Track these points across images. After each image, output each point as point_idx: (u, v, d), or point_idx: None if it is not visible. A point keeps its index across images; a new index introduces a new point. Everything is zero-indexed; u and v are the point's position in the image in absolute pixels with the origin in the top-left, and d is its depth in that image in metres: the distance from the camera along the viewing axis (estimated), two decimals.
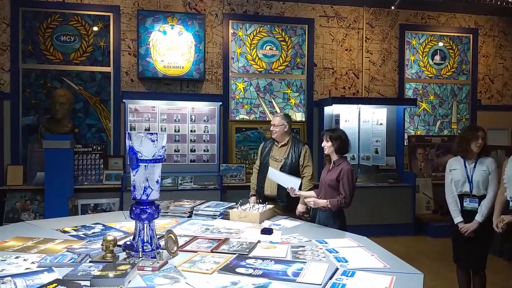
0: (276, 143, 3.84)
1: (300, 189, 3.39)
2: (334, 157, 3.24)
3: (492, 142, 6.52)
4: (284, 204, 3.58)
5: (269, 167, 3.55)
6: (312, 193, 3.40)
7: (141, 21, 5.82)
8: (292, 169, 3.64)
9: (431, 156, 6.85)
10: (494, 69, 7.21)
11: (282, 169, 3.62)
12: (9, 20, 5.62)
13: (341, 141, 3.19)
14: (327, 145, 3.23)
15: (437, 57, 7.07)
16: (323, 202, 3.11)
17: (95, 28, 5.90)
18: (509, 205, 3.02)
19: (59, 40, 5.81)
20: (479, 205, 3.19)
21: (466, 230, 3.21)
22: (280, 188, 3.59)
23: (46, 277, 1.75)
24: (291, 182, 3.31)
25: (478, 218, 3.16)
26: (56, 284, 1.63)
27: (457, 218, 3.28)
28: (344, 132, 3.30)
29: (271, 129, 3.82)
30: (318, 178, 3.70)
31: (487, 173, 3.19)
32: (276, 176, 3.46)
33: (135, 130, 5.70)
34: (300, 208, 3.60)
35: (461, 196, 3.30)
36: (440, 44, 7.07)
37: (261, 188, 3.79)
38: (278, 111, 6.45)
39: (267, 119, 6.21)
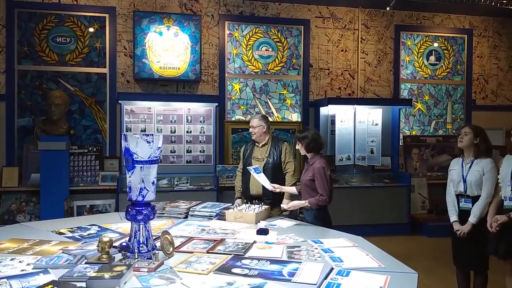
0: (256, 144, 3.95)
1: (284, 184, 3.65)
2: (308, 156, 3.35)
3: None
4: (270, 201, 3.64)
5: (248, 168, 3.60)
6: (293, 189, 3.52)
7: (137, 22, 5.82)
8: (275, 167, 3.78)
9: (426, 156, 6.88)
10: (488, 70, 7.26)
11: (265, 168, 3.73)
12: (4, 21, 5.61)
13: (308, 140, 3.28)
14: (298, 147, 3.35)
15: (432, 58, 7.11)
16: (301, 202, 3.21)
17: (91, 29, 5.89)
18: (503, 205, 3.04)
19: (54, 41, 5.80)
20: (473, 205, 3.19)
21: (461, 232, 3.22)
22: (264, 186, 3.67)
23: (41, 279, 1.75)
24: (265, 182, 3.45)
25: (472, 220, 3.16)
26: (51, 286, 1.63)
27: (452, 217, 3.31)
28: (313, 131, 3.39)
29: (250, 130, 3.94)
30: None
31: (480, 173, 3.17)
32: (254, 174, 3.52)
33: (131, 131, 5.69)
34: (285, 204, 3.66)
35: (458, 196, 3.32)
36: (435, 44, 7.11)
37: (247, 189, 3.89)
38: (274, 111, 6.47)
39: None
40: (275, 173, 3.71)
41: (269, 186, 3.45)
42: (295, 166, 3.90)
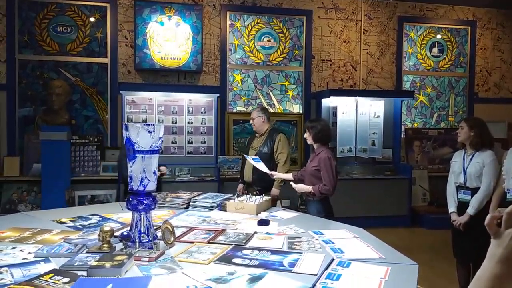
0: (256, 134, 4.29)
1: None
2: (315, 146, 3.44)
3: None
4: (260, 188, 3.78)
5: (244, 156, 4.01)
6: (289, 175, 3.67)
7: (138, 11, 5.78)
8: (266, 156, 4.00)
9: (427, 148, 6.87)
10: (491, 62, 7.21)
11: (256, 156, 3.94)
12: (5, 10, 5.58)
13: (316, 130, 3.37)
14: (306, 136, 3.46)
15: (435, 50, 7.07)
16: (306, 187, 3.34)
17: (92, 19, 5.86)
18: (506, 197, 3.04)
19: (55, 31, 5.77)
20: (472, 197, 3.21)
21: (458, 223, 3.24)
22: (254, 174, 3.99)
23: (42, 267, 1.75)
24: (262, 167, 3.64)
25: (470, 211, 3.19)
26: (52, 274, 1.63)
27: (451, 208, 3.37)
28: (323, 122, 3.50)
29: (250, 122, 4.27)
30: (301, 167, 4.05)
31: (480, 165, 3.20)
32: (252, 162, 3.76)
33: (132, 121, 5.68)
34: (274, 191, 3.99)
35: (458, 188, 3.35)
36: (438, 36, 7.06)
37: (242, 175, 4.24)
38: (276, 103, 6.45)
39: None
40: (266, 162, 3.82)
41: (268, 172, 3.65)
42: (287, 156, 4.10)
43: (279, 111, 6.46)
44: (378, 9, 6.72)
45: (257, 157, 3.80)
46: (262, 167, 3.64)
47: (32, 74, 5.72)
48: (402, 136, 6.66)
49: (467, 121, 3.33)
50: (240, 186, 4.27)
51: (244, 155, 4.02)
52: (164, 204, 3.15)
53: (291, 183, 3.54)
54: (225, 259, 1.92)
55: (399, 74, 6.85)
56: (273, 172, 3.69)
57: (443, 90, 7.14)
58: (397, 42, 6.82)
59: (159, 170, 3.98)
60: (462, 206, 3.27)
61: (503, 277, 0.65)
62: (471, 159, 3.26)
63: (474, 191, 3.21)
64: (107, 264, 1.69)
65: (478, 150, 3.25)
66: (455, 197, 3.36)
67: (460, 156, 3.37)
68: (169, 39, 5.85)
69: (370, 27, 6.71)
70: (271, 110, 6.39)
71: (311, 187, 3.29)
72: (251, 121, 4.24)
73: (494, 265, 0.67)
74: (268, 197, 3.34)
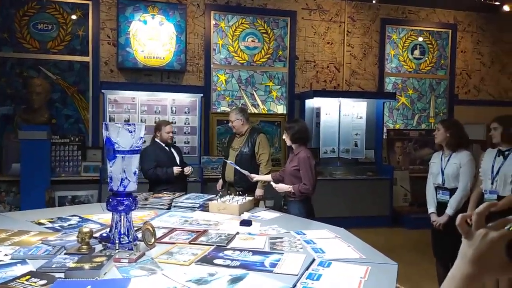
0: (236, 135, 4.30)
1: (257, 173, 3.91)
2: (293, 146, 3.47)
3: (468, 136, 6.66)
4: (242, 190, 3.80)
5: (224, 160, 4.15)
6: (268, 177, 3.74)
7: (121, 10, 5.72)
8: (247, 157, 4.07)
9: (409, 149, 6.96)
10: (471, 65, 7.35)
11: (237, 157, 4.05)
12: None
13: (294, 131, 3.40)
14: (284, 137, 3.49)
15: (417, 52, 7.17)
16: (286, 187, 3.37)
17: (74, 17, 5.77)
18: (484, 198, 3.10)
19: (36, 28, 5.66)
20: (450, 197, 3.27)
21: (437, 223, 3.30)
22: (236, 174, 4.02)
23: (19, 269, 1.72)
24: (242, 170, 3.72)
25: (448, 211, 3.25)
26: (29, 276, 1.60)
27: (430, 209, 3.42)
28: (301, 123, 3.53)
29: (229, 124, 4.30)
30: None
31: (457, 166, 3.26)
32: (233, 165, 3.89)
33: (114, 121, 5.61)
34: (258, 192, 4.03)
35: (436, 188, 3.41)
36: (420, 39, 7.16)
37: (224, 175, 4.27)
38: (260, 103, 6.45)
39: (248, 112, 6.19)
40: (247, 162, 4.00)
41: (247, 175, 3.69)
42: (268, 157, 4.14)
43: (263, 112, 6.47)
44: (361, 11, 6.79)
45: (234, 163, 3.91)
46: (241, 170, 3.70)
47: (11, 72, 5.60)
48: (384, 137, 6.74)
49: (443, 123, 3.41)
50: (220, 182, 4.33)
51: (224, 160, 4.16)
52: (146, 204, 3.12)
53: (272, 183, 3.57)
54: (206, 260, 1.91)
55: (381, 76, 6.94)
56: (253, 175, 3.72)
57: (424, 92, 7.25)
58: (379, 44, 6.90)
59: (182, 171, 3.95)
60: (441, 207, 3.33)
61: (474, 277, 0.68)
62: (448, 160, 3.32)
63: (452, 191, 3.27)
64: (86, 266, 1.67)
65: (454, 150, 3.31)
66: (434, 197, 3.41)
67: (438, 157, 3.43)
68: (152, 38, 5.80)
69: (354, 29, 6.77)
70: (255, 111, 6.40)
71: (291, 186, 3.32)
72: (230, 123, 4.26)
73: (465, 265, 0.69)
74: (251, 198, 3.34)
